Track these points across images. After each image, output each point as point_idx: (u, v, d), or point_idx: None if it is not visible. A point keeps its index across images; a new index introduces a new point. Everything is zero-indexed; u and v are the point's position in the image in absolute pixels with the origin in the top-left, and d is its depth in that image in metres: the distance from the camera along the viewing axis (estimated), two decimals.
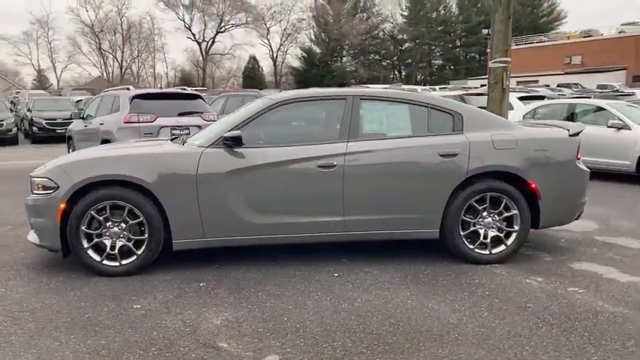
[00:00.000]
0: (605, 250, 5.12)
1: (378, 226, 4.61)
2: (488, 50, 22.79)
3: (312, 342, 3.25)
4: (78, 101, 20.56)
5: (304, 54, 60.77)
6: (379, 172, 4.56)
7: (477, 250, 4.68)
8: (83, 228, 4.37)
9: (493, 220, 4.69)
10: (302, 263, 4.70)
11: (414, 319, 3.57)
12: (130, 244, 4.44)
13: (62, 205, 4.34)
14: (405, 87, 25.88)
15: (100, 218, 4.39)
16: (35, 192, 4.50)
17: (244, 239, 4.55)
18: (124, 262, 4.44)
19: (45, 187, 4.42)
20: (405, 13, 62.89)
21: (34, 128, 18.17)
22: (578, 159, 4.86)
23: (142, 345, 3.22)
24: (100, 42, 57.01)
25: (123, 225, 4.42)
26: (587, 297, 3.96)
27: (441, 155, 4.58)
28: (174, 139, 5.03)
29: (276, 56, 60.59)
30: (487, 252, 4.69)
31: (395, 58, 65.21)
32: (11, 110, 20.61)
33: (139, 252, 4.44)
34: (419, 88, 25.59)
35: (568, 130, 4.93)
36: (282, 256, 4.84)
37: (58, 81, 60.08)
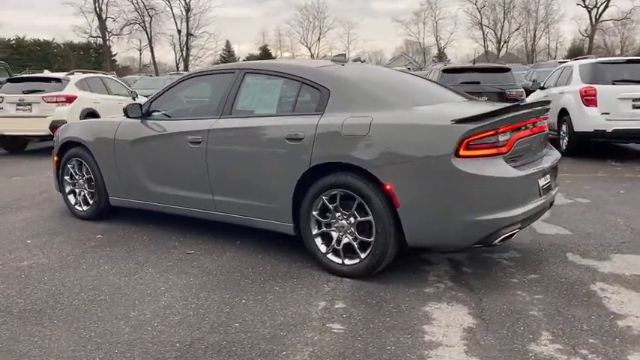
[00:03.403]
0: (558, 297, 3.40)
1: (240, 210, 4.30)
2: None
3: (15, 291, 3.63)
4: None
5: None
6: (233, 152, 4.23)
7: (329, 256, 3.86)
8: (66, 178, 5.59)
9: (348, 223, 3.76)
10: (194, 237, 4.76)
11: (109, 296, 3.48)
12: (88, 196, 5.44)
13: (55, 158, 5.65)
14: None
15: (72, 172, 5.51)
16: None
17: (149, 204, 4.95)
18: (85, 208, 5.47)
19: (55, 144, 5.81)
20: None
21: None
22: (466, 156, 3.33)
23: None
24: (481, 17, 57.84)
25: (84, 178, 5.43)
26: (302, 330, 2.98)
27: (287, 139, 3.93)
28: None
29: None
30: (340, 261, 3.82)
31: None
32: None
33: (91, 202, 5.40)
34: None
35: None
36: (203, 226, 4.90)
37: (439, 55, 63.91)
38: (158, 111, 4.88)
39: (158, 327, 3.11)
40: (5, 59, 50.75)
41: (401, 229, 3.54)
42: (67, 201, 5.60)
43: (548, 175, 3.89)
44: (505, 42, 58.83)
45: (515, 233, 3.53)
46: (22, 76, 11.75)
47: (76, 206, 5.51)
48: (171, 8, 53.66)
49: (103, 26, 52.17)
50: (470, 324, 3.09)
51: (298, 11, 69.28)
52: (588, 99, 8.93)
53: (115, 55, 59.94)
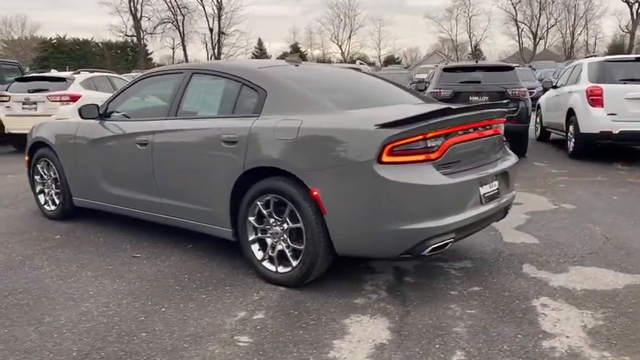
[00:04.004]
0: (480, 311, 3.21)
1: (184, 214, 4.22)
2: None
3: None
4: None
5: None
6: (175, 154, 4.16)
7: (264, 263, 3.75)
8: (36, 178, 5.62)
9: (282, 230, 3.64)
10: (150, 240, 4.69)
11: (34, 300, 3.44)
12: (55, 196, 5.45)
13: (26, 158, 5.69)
14: None
15: (41, 172, 5.54)
16: None
17: (106, 206, 4.92)
18: (52, 208, 5.49)
19: None
20: None
21: None
22: (390, 163, 3.15)
23: None
24: (516, 13, 56.42)
25: (52, 178, 5.45)
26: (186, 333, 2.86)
27: (223, 142, 3.82)
28: None
29: None
30: (274, 269, 3.70)
31: None
32: None
33: (57, 202, 5.41)
34: None
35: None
36: (165, 229, 4.73)
37: (473, 53, 62.73)
38: (115, 112, 4.84)
39: (65, 334, 3.04)
40: (47, 58, 51.93)
41: (330, 237, 3.39)
42: (37, 200, 5.63)
43: (495, 182, 3.67)
44: (541, 38, 57.20)
45: (448, 244, 3.33)
46: (29, 75, 11.98)
47: (45, 206, 5.54)
48: (203, 7, 54.32)
49: (137, 25, 53.18)
50: (384, 339, 2.93)
51: (329, 9, 69.03)
52: (594, 99, 8.54)
53: (151, 53, 61.15)
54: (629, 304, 3.31)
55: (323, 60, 59.48)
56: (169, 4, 51.85)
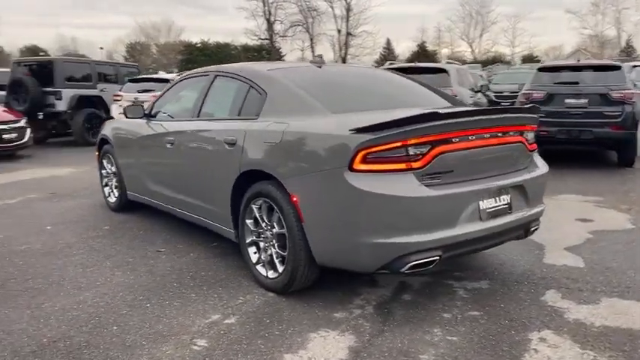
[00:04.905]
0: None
1: (200, 213, 4.31)
2: None
3: None
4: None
5: None
6: (192, 154, 4.26)
7: (258, 267, 3.71)
8: (103, 172, 6.09)
9: (271, 235, 3.57)
10: (185, 236, 4.86)
11: (46, 285, 3.70)
12: (115, 189, 5.87)
13: (96, 153, 6.19)
14: None
15: (106, 167, 5.99)
16: None
17: (149, 201, 5.18)
18: (113, 200, 5.91)
19: None
20: None
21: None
22: (363, 171, 2.93)
23: None
24: None
25: (113, 172, 5.87)
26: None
27: (226, 143, 3.83)
28: None
29: None
30: (265, 274, 3.65)
31: None
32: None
33: (116, 195, 5.82)
34: None
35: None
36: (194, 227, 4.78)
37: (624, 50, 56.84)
38: (160, 112, 5.07)
39: (51, 320, 3.23)
40: (192, 60, 56.13)
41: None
42: (103, 192, 6.09)
43: (505, 197, 3.28)
44: None
45: (433, 262, 3.02)
46: (139, 77, 12.98)
47: (108, 198, 5.97)
48: (332, 9, 55.19)
49: (270, 28, 55.53)
50: (337, 359, 2.74)
51: (460, 6, 66.58)
52: None
53: (284, 55, 63.60)
54: None
55: (454, 59, 57.62)
56: (300, 7, 53.47)
